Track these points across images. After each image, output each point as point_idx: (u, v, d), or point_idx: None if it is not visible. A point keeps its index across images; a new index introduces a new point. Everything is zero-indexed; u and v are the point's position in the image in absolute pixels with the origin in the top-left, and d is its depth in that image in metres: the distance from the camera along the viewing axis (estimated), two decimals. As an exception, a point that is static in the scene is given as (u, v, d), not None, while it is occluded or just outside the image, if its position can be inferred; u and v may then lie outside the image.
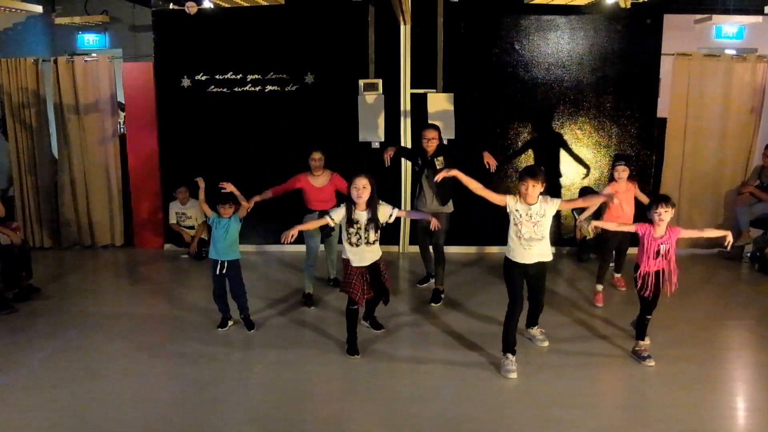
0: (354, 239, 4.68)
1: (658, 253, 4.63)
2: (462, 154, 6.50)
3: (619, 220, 5.69)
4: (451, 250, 7.85)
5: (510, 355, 4.60)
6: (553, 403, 4.17)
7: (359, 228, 4.66)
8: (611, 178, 6.10)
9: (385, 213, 4.72)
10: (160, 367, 4.83)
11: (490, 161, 5.83)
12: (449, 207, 6.08)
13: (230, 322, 5.47)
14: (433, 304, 5.99)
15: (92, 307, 6.01)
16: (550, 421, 3.96)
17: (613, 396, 4.28)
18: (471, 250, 7.87)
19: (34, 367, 4.74)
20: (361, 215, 4.65)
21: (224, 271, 5.28)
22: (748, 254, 7.49)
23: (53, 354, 4.97)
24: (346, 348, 4.93)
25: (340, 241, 5.10)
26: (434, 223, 4.97)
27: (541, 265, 4.61)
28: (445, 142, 6.15)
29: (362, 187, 4.59)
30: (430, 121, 7.52)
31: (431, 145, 5.88)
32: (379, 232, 4.74)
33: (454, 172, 4.64)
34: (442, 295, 6.09)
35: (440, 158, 5.88)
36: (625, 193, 5.87)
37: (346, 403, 4.22)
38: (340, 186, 6.03)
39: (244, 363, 4.82)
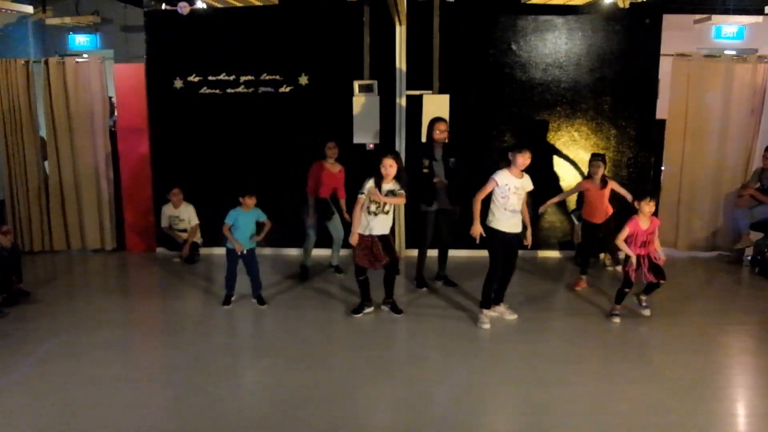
0: (372, 207, 5.37)
1: (644, 243, 5.41)
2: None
3: (597, 214, 6.38)
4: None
5: (486, 311, 5.48)
6: (552, 411, 4.12)
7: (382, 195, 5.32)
8: (588, 175, 6.55)
9: (396, 186, 5.39)
10: (152, 372, 4.80)
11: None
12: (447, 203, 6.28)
13: (233, 299, 5.96)
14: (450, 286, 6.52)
15: (83, 312, 5.95)
16: (549, 428, 3.91)
17: (613, 402, 4.22)
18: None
19: (24, 372, 4.68)
20: (385, 188, 5.34)
21: (245, 254, 5.82)
22: (749, 258, 7.42)
23: (44, 359, 4.91)
24: (354, 308, 5.72)
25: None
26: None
27: (517, 236, 5.36)
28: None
29: (389, 166, 5.30)
30: (426, 122, 7.47)
31: (442, 136, 6.14)
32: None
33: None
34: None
35: (452, 159, 6.19)
36: (602, 191, 6.35)
37: (342, 409, 4.14)
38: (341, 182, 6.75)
39: (238, 368, 4.77)
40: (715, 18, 8.64)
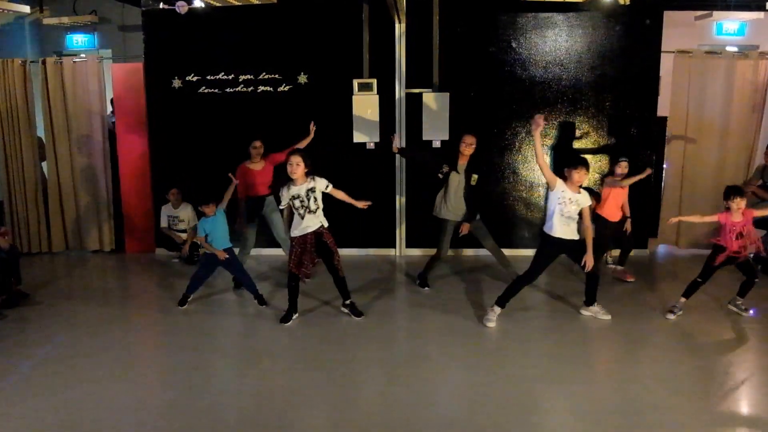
0: (301, 211, 5.32)
1: (740, 234, 5.45)
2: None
3: (615, 212, 6.47)
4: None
5: (497, 308, 5.47)
6: (551, 410, 4.11)
7: (302, 200, 5.30)
8: (611, 173, 6.57)
9: (322, 184, 5.37)
10: (152, 373, 4.79)
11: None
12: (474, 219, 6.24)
13: (187, 304, 5.97)
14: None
15: (82, 313, 5.92)
16: (551, 427, 3.90)
17: (611, 401, 4.21)
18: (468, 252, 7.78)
19: (23, 373, 4.65)
20: (301, 188, 5.30)
21: (227, 258, 5.85)
22: (751, 255, 7.37)
23: (43, 360, 4.89)
24: (282, 315, 5.59)
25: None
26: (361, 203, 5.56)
27: (576, 242, 5.30)
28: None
29: (296, 164, 5.24)
30: (425, 121, 7.46)
31: (469, 151, 6.08)
32: (319, 201, 5.35)
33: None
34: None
35: (475, 177, 6.13)
36: (624, 189, 6.44)
37: (341, 409, 4.12)
38: (278, 159, 6.56)
39: (237, 369, 4.74)
40: (716, 14, 8.60)
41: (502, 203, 7.69)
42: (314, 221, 5.37)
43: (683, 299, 5.68)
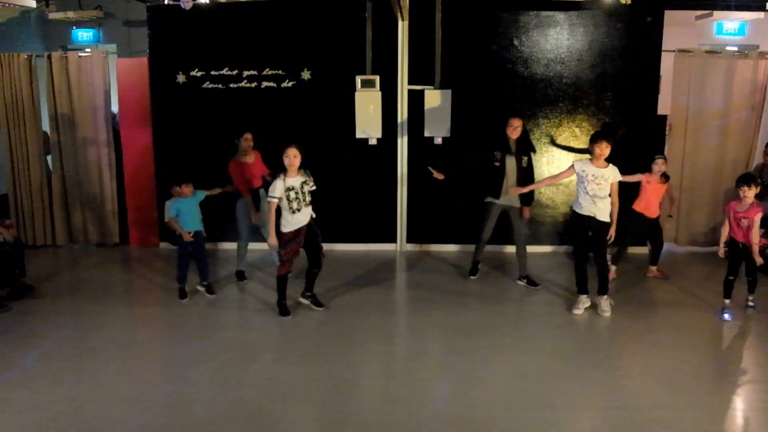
0: (295, 205, 5.31)
1: (738, 222, 5.53)
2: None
3: (652, 208, 6.58)
4: (449, 248, 7.85)
5: (582, 296, 5.70)
6: (549, 404, 4.14)
7: (296, 192, 5.29)
8: (648, 170, 6.59)
9: (311, 180, 5.40)
10: (155, 367, 4.82)
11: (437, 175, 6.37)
12: (516, 200, 6.27)
13: (188, 296, 6.06)
14: (532, 287, 6.42)
15: (86, 306, 5.96)
16: (546, 423, 3.93)
17: (613, 397, 4.24)
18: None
19: (27, 366, 4.69)
20: (295, 180, 5.30)
21: (193, 241, 5.99)
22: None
23: (47, 353, 4.93)
24: (279, 311, 5.61)
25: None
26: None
27: (601, 223, 5.44)
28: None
29: (293, 156, 5.25)
30: (427, 118, 7.50)
31: (515, 133, 6.14)
32: (310, 195, 5.40)
33: (530, 189, 5.96)
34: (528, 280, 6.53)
35: (525, 158, 6.21)
36: (662, 186, 6.58)
37: (342, 404, 4.16)
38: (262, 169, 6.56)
39: (239, 363, 4.77)
40: (717, 14, 8.61)
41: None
42: (306, 215, 5.44)
43: (727, 300, 5.69)
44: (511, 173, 6.18)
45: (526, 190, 5.98)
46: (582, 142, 7.57)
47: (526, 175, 6.23)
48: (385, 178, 7.73)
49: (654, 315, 5.75)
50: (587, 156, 5.59)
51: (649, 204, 6.56)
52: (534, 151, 6.44)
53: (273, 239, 5.40)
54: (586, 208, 5.45)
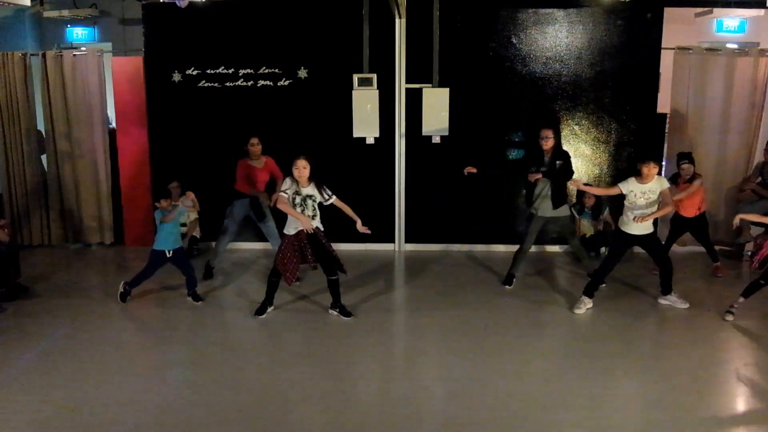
0: (299, 209, 5.28)
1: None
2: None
3: (688, 209, 6.63)
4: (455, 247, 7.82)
5: (586, 298, 5.73)
6: (553, 404, 4.12)
7: (303, 199, 5.28)
8: (677, 178, 6.66)
9: (324, 194, 5.33)
10: (150, 367, 4.80)
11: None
12: (565, 210, 6.27)
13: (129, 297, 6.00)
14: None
15: (81, 307, 5.93)
16: (546, 423, 3.92)
17: (612, 397, 4.22)
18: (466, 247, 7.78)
19: (22, 367, 4.67)
20: (305, 190, 5.29)
21: (172, 257, 5.91)
22: (749, 252, 7.40)
23: (42, 354, 4.90)
24: (257, 308, 5.61)
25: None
26: (360, 227, 5.50)
27: (648, 236, 5.62)
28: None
29: (302, 167, 5.21)
30: (425, 117, 7.45)
31: (548, 144, 6.05)
32: (316, 209, 5.33)
33: (579, 185, 5.97)
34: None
35: (559, 162, 6.09)
36: (699, 187, 6.57)
37: (340, 404, 4.13)
38: (273, 168, 6.59)
39: (236, 364, 4.75)
40: (717, 11, 8.55)
41: (503, 200, 7.67)
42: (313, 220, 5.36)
43: (741, 299, 5.62)
44: (548, 186, 6.09)
45: (585, 188, 6.12)
46: (581, 141, 7.54)
47: (558, 179, 6.10)
48: (383, 178, 7.69)
49: (651, 313, 5.73)
50: (632, 177, 5.59)
51: (683, 204, 6.60)
52: (568, 156, 6.20)
53: (305, 220, 5.25)
54: (633, 228, 5.53)
